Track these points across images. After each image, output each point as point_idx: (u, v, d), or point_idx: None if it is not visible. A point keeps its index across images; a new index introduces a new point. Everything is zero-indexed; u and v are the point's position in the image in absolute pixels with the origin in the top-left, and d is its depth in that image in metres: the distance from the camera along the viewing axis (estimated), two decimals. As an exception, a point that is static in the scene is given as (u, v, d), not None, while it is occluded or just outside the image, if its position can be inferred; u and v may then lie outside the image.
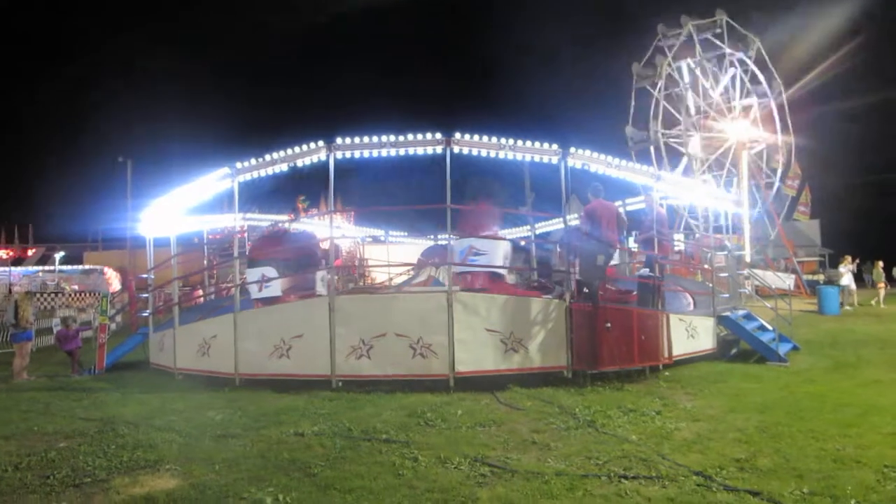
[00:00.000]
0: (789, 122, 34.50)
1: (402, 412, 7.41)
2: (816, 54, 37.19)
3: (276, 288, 10.57)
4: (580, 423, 6.74)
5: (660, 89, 33.64)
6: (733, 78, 33.76)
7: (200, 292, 18.15)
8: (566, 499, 4.61)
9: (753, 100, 33.78)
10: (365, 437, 6.42)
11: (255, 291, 10.56)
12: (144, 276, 13.67)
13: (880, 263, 24.48)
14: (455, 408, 7.55)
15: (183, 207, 11.53)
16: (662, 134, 33.66)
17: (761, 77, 34.09)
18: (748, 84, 33.97)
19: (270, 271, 10.52)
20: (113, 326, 16.26)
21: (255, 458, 5.76)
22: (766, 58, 34.15)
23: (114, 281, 30.91)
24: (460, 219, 10.36)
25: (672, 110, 33.99)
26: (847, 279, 21.87)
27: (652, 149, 33.47)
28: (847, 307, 21.06)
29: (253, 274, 10.53)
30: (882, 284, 23.31)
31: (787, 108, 34.41)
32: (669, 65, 33.53)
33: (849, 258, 22.74)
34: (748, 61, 33.89)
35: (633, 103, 35.11)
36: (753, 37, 33.95)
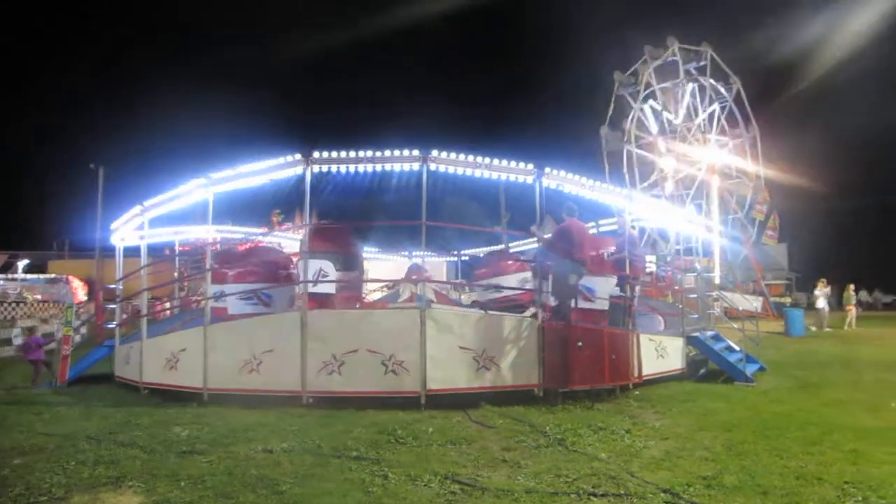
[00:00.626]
0: (760, 159, 35.33)
1: (372, 429, 7.35)
2: (790, 90, 38.31)
3: (330, 286, 10.17)
4: (551, 441, 6.76)
5: (639, 98, 34.18)
6: (712, 113, 34.53)
7: (168, 304, 17.79)
8: (536, 517, 4.61)
9: (727, 137, 34.60)
10: (335, 454, 6.35)
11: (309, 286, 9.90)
12: (112, 286, 13.42)
13: (851, 287, 25.10)
14: (426, 425, 7.51)
15: (155, 217, 11.37)
16: (637, 137, 34.13)
17: (738, 117, 34.93)
18: (724, 122, 34.77)
19: (329, 266, 10.09)
20: (77, 338, 15.91)
21: (221, 475, 5.65)
22: (745, 99, 35.01)
23: (79, 291, 30.24)
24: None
25: (648, 123, 34.55)
26: (822, 302, 22.38)
27: (625, 156, 33.94)
28: (826, 329, 21.54)
29: (310, 266, 9.79)
30: (851, 307, 23.89)
31: (759, 146, 35.22)
32: (651, 76, 34.12)
33: (824, 281, 23.25)
34: (728, 99, 34.73)
35: (611, 107, 35.55)
36: (735, 77, 34.80)
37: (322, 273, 9.91)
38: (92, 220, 32.66)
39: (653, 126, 34.27)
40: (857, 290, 25.90)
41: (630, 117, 34.32)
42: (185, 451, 6.49)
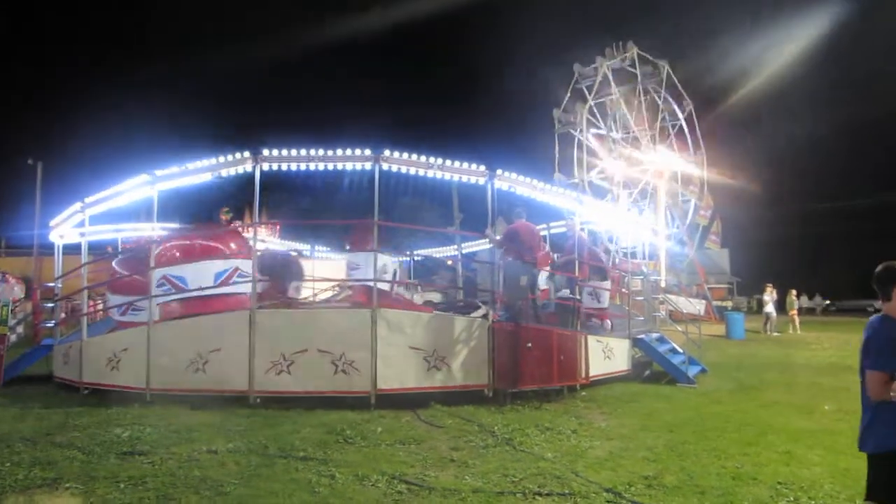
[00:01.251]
0: (700, 140, 36.57)
1: (321, 429, 7.30)
2: (725, 87, 39.79)
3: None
4: (498, 441, 6.84)
5: (582, 131, 34.84)
6: (647, 104, 35.54)
7: (100, 305, 17.06)
8: (482, 515, 4.67)
9: (667, 122, 35.69)
10: (281, 454, 6.28)
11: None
12: (51, 284, 12.93)
13: (793, 292, 26.05)
14: (375, 425, 7.50)
15: (98, 214, 11.01)
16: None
17: (670, 98, 36.05)
18: (661, 105, 35.86)
19: (388, 262, 10.18)
20: (13, 337, 15.25)
21: (163, 476, 5.53)
22: (675, 79, 36.17)
23: (16, 289, 28.99)
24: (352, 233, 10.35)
25: (595, 148, 35.27)
26: (770, 307, 23.19)
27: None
28: (775, 333, 22.31)
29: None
30: (794, 312, 24.81)
31: (696, 125, 36.45)
32: (591, 111, 34.90)
33: (771, 286, 24.09)
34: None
35: (556, 150, 36.18)
36: (662, 63, 35.89)
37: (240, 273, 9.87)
38: (30, 217, 31.33)
39: (598, 149, 35.01)
40: (798, 296, 26.94)
41: (576, 161, 34.87)
42: (126, 452, 6.31)
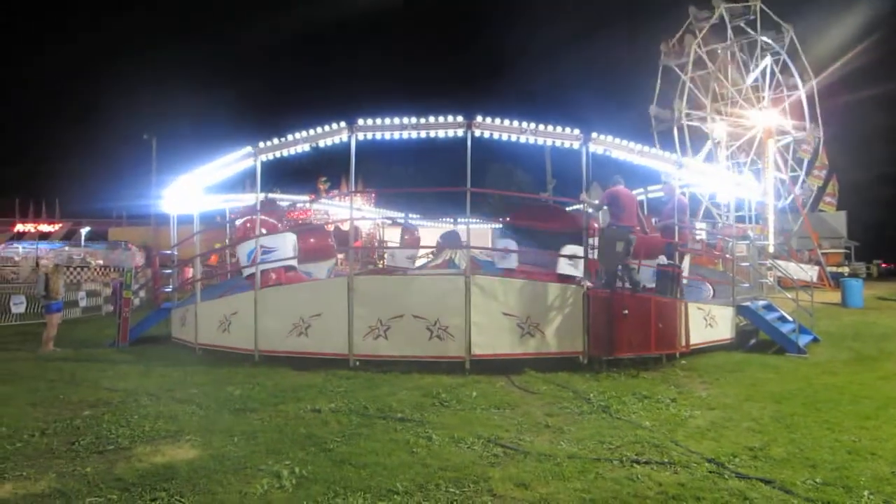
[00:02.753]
0: (819, 113, 33.81)
1: (417, 392, 7.50)
2: (849, 42, 36.37)
3: (512, 260, 11.01)
4: (594, 409, 6.77)
5: (687, 69, 33.01)
6: (764, 68, 33.09)
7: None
8: (577, 481, 4.65)
9: (783, 91, 33.16)
10: (380, 415, 6.51)
11: (498, 261, 11.09)
12: (168, 252, 13.89)
13: None
14: (470, 390, 7.62)
15: (205, 185, 11.67)
16: (687, 115, 33.08)
17: (793, 68, 33.39)
18: (779, 74, 33.30)
19: (511, 243, 10.91)
20: (136, 301, 16.55)
21: (272, 432, 5.88)
22: (799, 47, 33.41)
23: (137, 256, 31.40)
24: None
25: (698, 93, 33.38)
26: None
27: (675, 130, 32.97)
28: None
29: (500, 244, 10.84)
30: None
31: (817, 99, 33.71)
32: (699, 45, 32.86)
33: None
34: (780, 51, 33.18)
35: (658, 82, 34.53)
36: (787, 25, 33.17)
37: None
38: (147, 189, 33.73)
39: (702, 95, 33.03)
40: None
41: (678, 93, 33.14)
42: (239, 409, 6.76)
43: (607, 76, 72.97)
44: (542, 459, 5.10)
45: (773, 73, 33.33)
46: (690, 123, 33.15)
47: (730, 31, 32.61)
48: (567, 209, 12.56)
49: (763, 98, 32.76)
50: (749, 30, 33.22)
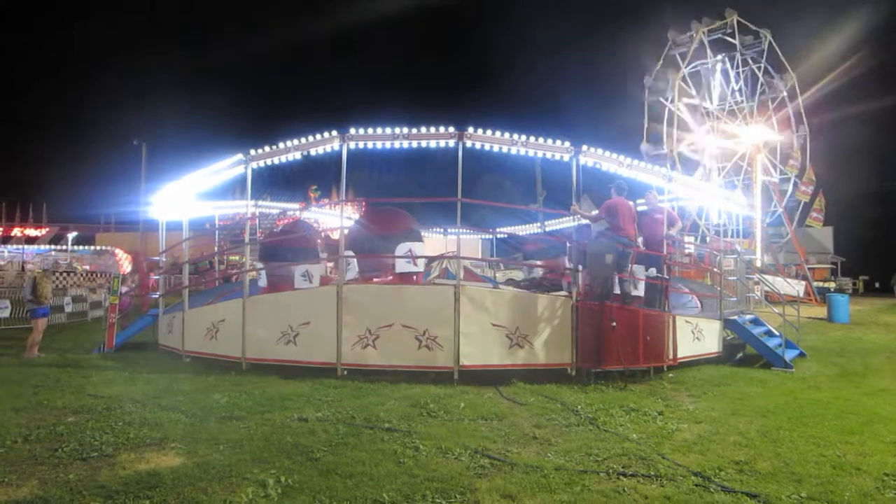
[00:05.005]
0: (803, 115, 34.33)
1: (405, 402, 7.48)
2: (832, 57, 37.00)
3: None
4: (582, 421, 6.77)
5: (673, 100, 33.42)
6: (746, 76, 33.67)
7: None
8: (564, 493, 4.65)
9: (767, 95, 33.72)
10: (368, 424, 6.49)
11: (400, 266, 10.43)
12: (156, 258, 13.82)
13: None
14: (458, 400, 7.60)
15: (195, 192, 11.63)
16: (677, 145, 33.53)
17: (772, 70, 33.96)
18: (761, 78, 33.87)
19: (418, 247, 10.54)
20: (126, 291, 16.42)
21: (258, 441, 5.84)
22: (777, 49, 33.98)
23: (124, 262, 31.17)
24: None
25: (686, 119, 33.80)
26: None
27: (668, 164, 33.42)
28: None
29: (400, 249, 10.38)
30: None
31: (800, 100, 34.20)
32: (684, 79, 33.36)
33: None
34: (759, 57, 33.81)
35: (645, 119, 34.98)
36: (764, 31, 33.75)
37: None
38: (136, 195, 33.57)
39: (690, 120, 33.47)
40: None
41: (666, 130, 33.50)
42: (225, 417, 6.71)
43: (593, 97, 73.71)
44: (529, 471, 5.09)
45: (755, 79, 33.89)
46: (681, 151, 33.60)
47: (709, 51, 33.17)
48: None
49: (747, 109, 33.23)
50: (730, 40, 33.77)
